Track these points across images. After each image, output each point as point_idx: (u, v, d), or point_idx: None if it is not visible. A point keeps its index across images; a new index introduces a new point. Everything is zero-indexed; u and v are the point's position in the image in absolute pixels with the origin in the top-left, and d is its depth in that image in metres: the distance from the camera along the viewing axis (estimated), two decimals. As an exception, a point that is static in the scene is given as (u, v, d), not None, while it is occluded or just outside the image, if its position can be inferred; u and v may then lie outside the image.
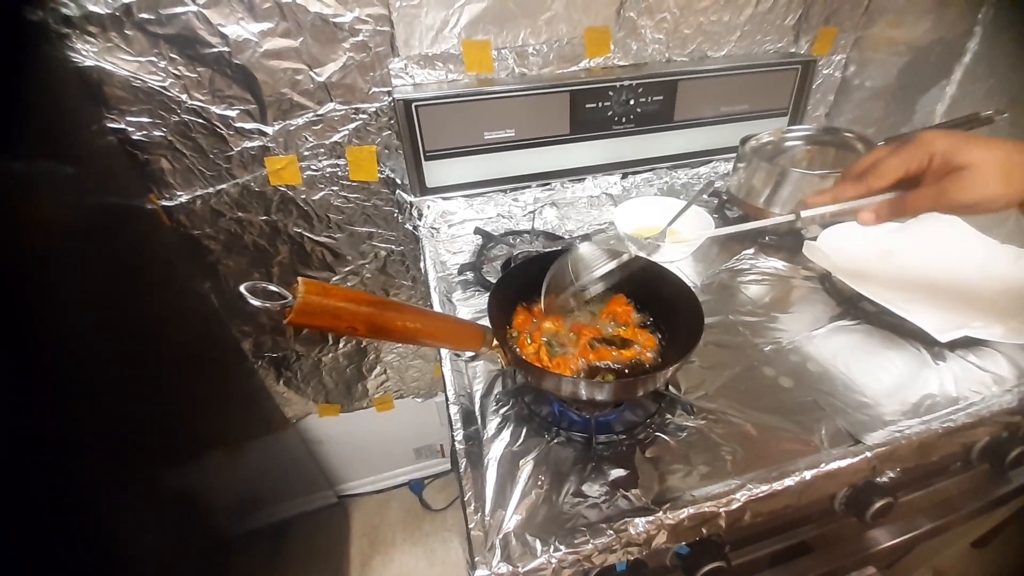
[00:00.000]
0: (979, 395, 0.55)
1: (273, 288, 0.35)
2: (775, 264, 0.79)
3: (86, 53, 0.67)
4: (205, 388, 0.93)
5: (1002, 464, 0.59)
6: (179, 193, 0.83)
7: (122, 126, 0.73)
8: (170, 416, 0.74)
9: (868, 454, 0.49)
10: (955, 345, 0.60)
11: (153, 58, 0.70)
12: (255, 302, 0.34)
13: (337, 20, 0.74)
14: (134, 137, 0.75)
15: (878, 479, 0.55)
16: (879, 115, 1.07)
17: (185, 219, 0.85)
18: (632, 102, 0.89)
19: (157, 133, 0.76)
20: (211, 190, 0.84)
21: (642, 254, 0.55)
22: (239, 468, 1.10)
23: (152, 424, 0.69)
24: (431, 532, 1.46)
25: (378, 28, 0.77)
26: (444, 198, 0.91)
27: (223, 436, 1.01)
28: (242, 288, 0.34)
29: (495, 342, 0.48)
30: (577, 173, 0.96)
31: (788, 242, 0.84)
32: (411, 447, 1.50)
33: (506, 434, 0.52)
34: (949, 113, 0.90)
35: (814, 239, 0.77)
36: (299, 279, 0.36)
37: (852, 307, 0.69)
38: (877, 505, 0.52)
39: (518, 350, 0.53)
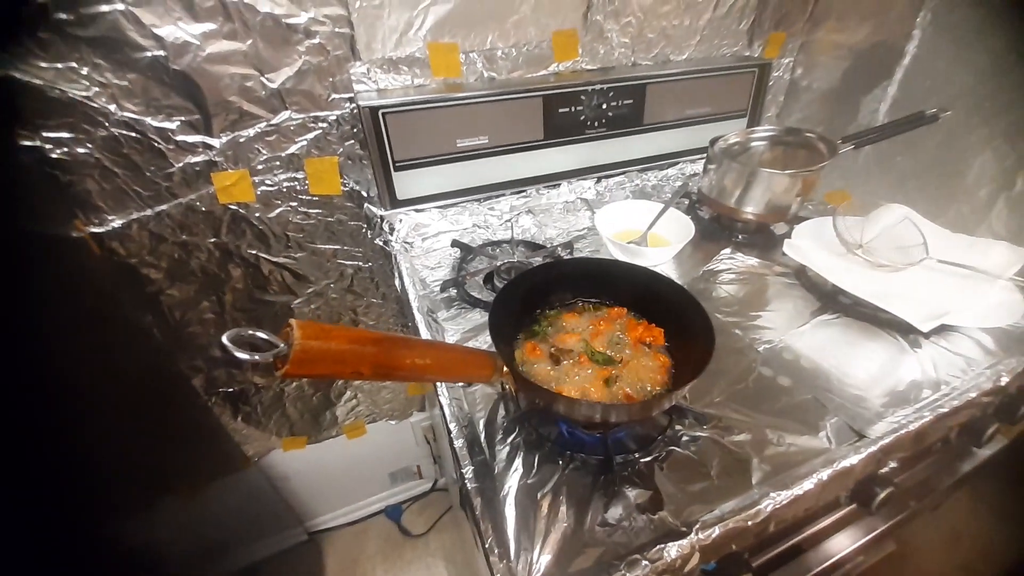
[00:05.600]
0: (957, 378, 0.58)
1: (262, 335, 0.30)
2: (750, 262, 0.81)
3: (-14, 59, 0.57)
4: (153, 430, 0.85)
5: (979, 441, 0.62)
6: (111, 217, 0.72)
7: (37, 144, 0.63)
8: (114, 461, 0.66)
9: (875, 447, 0.50)
10: (928, 332, 0.63)
11: (73, 64, 0.60)
12: (241, 355, 0.29)
13: (290, 21, 0.68)
14: (52, 156, 0.64)
15: (881, 470, 0.56)
16: (826, 115, 1.13)
17: (119, 246, 0.75)
18: (604, 106, 0.88)
19: (80, 150, 0.66)
20: (149, 212, 0.74)
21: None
22: (195, 513, 1.01)
23: (93, 472, 0.60)
24: (413, 559, 1.38)
25: (336, 30, 0.71)
26: (416, 210, 0.86)
27: (176, 480, 0.93)
28: (224, 339, 0.29)
29: (504, 368, 0.44)
30: (552, 179, 0.94)
31: (760, 240, 0.87)
32: (386, 472, 1.42)
33: (518, 464, 0.49)
34: (892, 113, 0.96)
35: (789, 237, 0.79)
36: (292, 321, 0.31)
37: (832, 301, 0.71)
38: (881, 496, 0.53)
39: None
